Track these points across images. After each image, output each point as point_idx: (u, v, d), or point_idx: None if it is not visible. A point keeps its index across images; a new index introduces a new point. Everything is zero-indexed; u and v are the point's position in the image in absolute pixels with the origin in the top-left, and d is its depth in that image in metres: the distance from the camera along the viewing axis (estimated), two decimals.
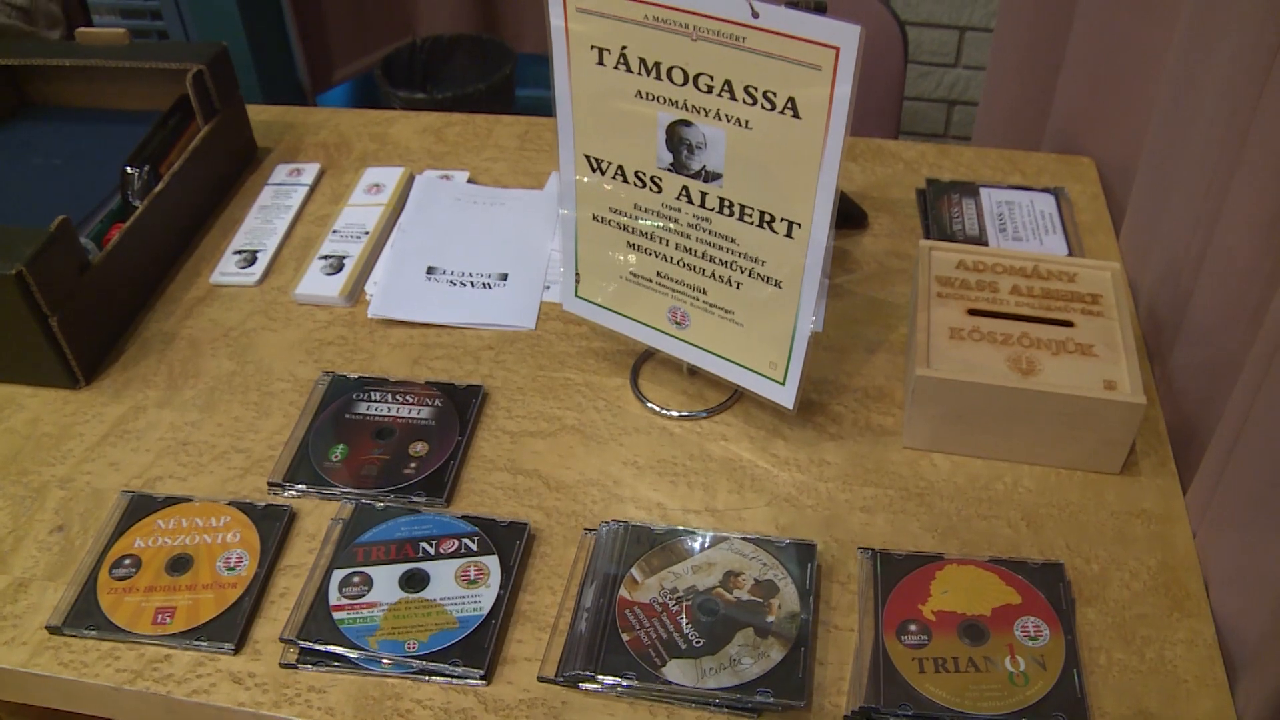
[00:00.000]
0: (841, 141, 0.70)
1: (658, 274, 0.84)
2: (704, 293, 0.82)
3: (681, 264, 0.82)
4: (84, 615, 0.75)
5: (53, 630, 0.75)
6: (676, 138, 0.76)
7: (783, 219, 0.75)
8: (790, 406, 0.82)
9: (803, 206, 0.74)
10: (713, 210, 0.78)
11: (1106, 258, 1.02)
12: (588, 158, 0.82)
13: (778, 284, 0.78)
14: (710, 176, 0.77)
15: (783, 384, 0.82)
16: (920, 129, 2.17)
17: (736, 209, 0.77)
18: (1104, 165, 1.13)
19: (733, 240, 0.79)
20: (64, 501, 0.84)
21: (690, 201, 0.79)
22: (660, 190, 0.80)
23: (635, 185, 0.81)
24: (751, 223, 0.77)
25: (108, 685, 0.73)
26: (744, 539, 0.78)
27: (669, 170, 0.78)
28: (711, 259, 0.80)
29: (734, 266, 0.80)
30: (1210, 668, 0.72)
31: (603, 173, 0.82)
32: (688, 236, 0.80)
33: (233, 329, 0.98)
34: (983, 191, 1.08)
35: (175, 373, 0.94)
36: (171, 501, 0.83)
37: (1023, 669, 0.71)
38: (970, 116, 2.13)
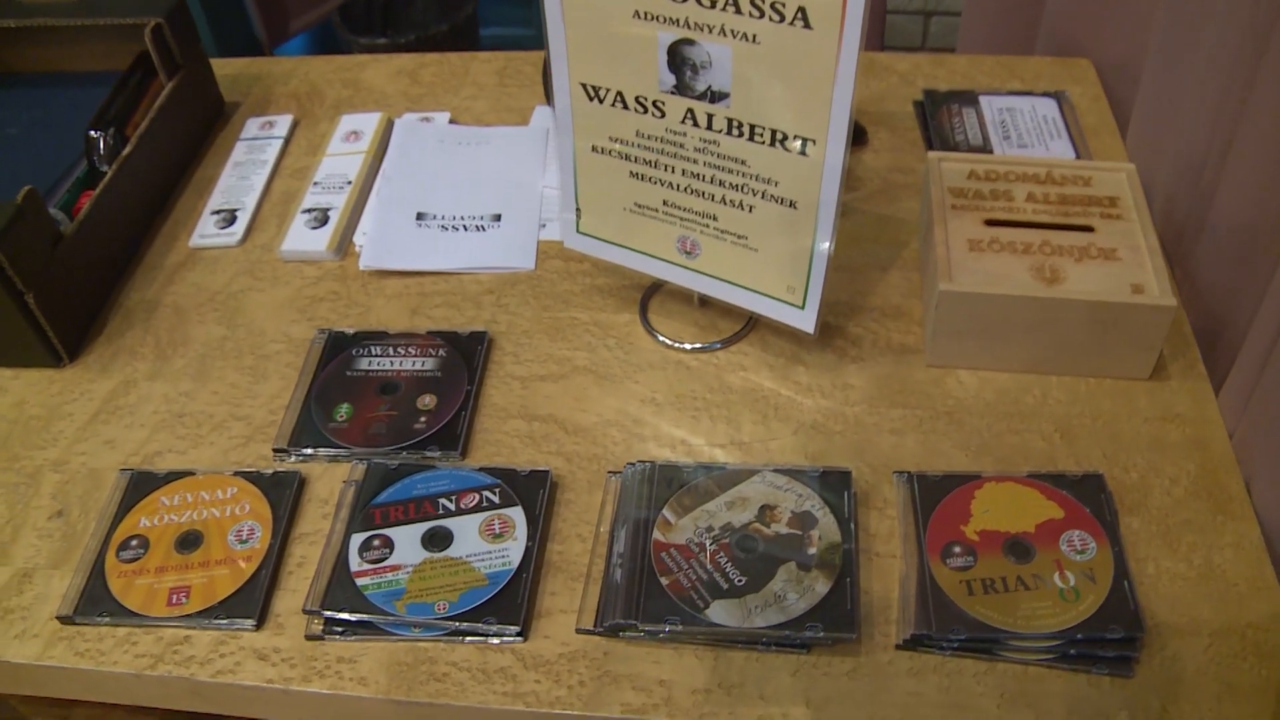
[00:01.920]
0: (856, 51, 0.66)
1: (664, 203, 0.80)
2: (714, 219, 0.79)
3: (689, 190, 0.78)
4: (95, 602, 0.72)
5: (64, 620, 0.72)
6: (679, 58, 0.72)
7: (796, 136, 0.72)
8: (811, 331, 0.79)
9: (816, 122, 0.70)
10: (720, 132, 0.74)
11: (1114, 160, 0.99)
12: (584, 86, 0.78)
13: (792, 205, 0.75)
14: (716, 97, 0.73)
15: (802, 308, 0.79)
16: (897, 43, 2.12)
17: (746, 129, 0.73)
18: (1102, 66, 1.10)
19: (743, 162, 0.75)
20: (60, 485, 0.80)
21: (696, 125, 0.75)
22: (664, 115, 0.76)
23: (637, 111, 0.77)
24: (763, 142, 0.73)
25: (128, 672, 0.69)
26: (776, 471, 0.75)
27: (672, 93, 0.74)
28: (721, 183, 0.77)
29: (745, 190, 0.76)
30: (1259, 570, 0.70)
31: (601, 101, 0.78)
32: (695, 161, 0.77)
33: (218, 292, 0.94)
34: (982, 99, 1.05)
35: (163, 342, 0.90)
36: (174, 476, 0.79)
37: (1072, 584, 0.68)
38: (947, 27, 2.09)
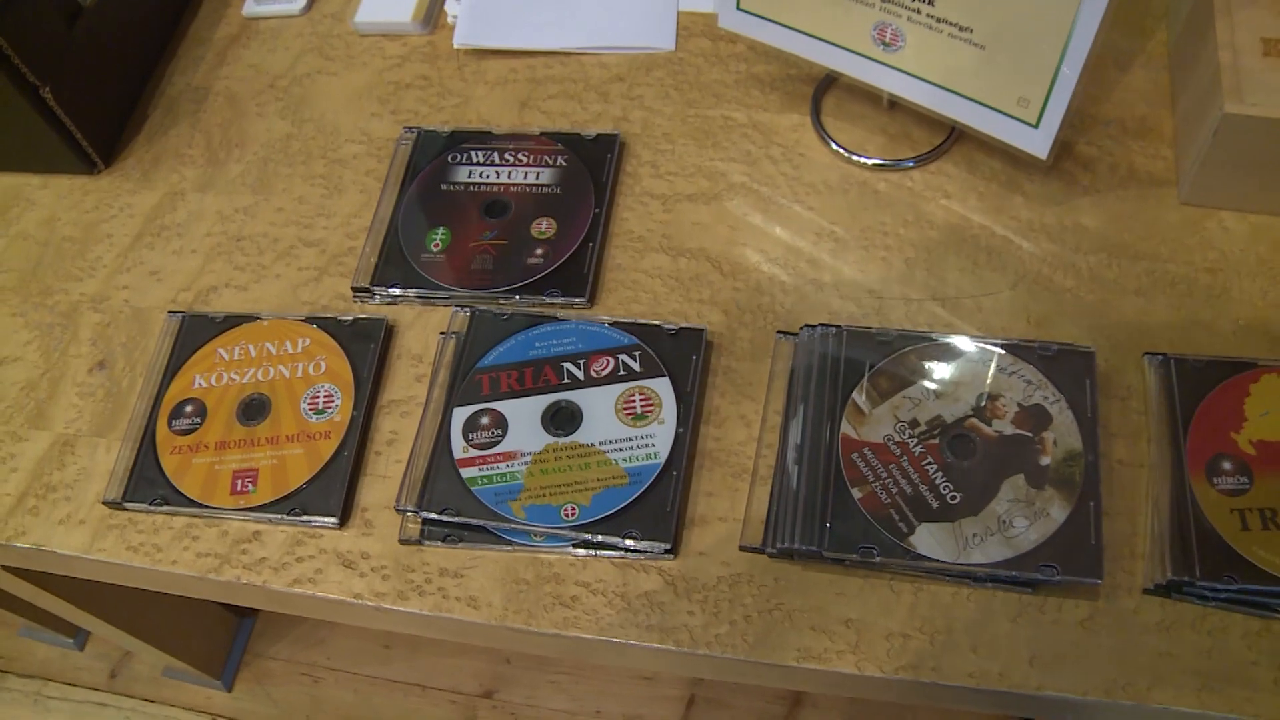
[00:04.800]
0: None
1: None
2: (929, 3, 0.59)
3: None
4: (147, 484, 0.59)
5: (112, 505, 0.59)
6: None
7: None
8: (1043, 156, 0.61)
9: None
10: None
11: None
12: None
13: None
14: None
15: (1035, 126, 0.60)
16: None
17: None
18: None
19: None
20: (101, 329, 0.66)
21: None
22: None
23: None
24: None
25: (190, 574, 0.57)
26: (999, 346, 0.58)
27: None
28: None
29: None
30: None
31: None
32: None
33: (280, 76, 0.76)
34: None
35: (214, 142, 0.74)
36: (234, 322, 0.64)
37: None
38: None
